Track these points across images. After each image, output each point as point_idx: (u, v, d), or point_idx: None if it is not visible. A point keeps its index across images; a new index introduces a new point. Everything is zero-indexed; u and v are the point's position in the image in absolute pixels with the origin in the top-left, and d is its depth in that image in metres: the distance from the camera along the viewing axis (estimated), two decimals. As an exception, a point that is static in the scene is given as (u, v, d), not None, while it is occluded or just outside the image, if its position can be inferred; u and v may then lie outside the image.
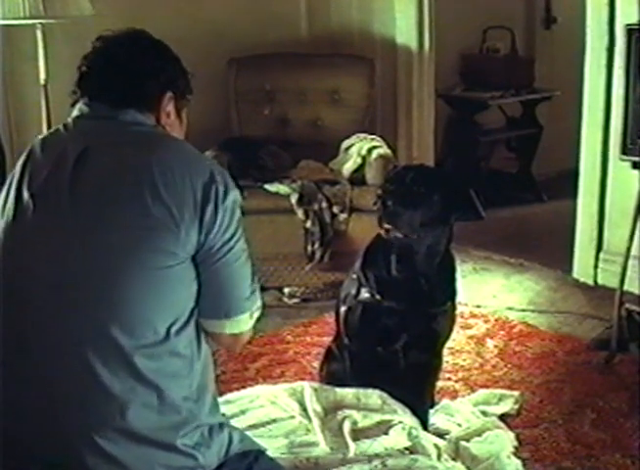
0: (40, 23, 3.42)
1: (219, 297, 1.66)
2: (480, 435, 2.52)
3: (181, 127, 1.80)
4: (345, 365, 2.62)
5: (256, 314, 1.74)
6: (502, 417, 2.68)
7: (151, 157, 1.59)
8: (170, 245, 1.55)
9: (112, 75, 1.66)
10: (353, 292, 2.56)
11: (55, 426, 1.55)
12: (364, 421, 2.35)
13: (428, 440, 2.34)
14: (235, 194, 1.64)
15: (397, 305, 2.49)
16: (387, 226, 2.42)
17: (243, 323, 1.71)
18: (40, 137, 1.72)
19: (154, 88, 1.69)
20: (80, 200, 1.56)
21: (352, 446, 2.24)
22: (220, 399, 2.35)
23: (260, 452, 1.82)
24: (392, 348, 2.55)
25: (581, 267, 3.93)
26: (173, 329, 1.58)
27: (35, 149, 1.66)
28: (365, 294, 2.53)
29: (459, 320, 2.81)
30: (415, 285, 2.49)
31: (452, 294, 2.58)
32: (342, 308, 2.61)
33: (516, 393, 2.84)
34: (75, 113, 1.69)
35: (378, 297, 2.50)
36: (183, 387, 1.61)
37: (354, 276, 2.58)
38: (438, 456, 2.31)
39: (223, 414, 1.84)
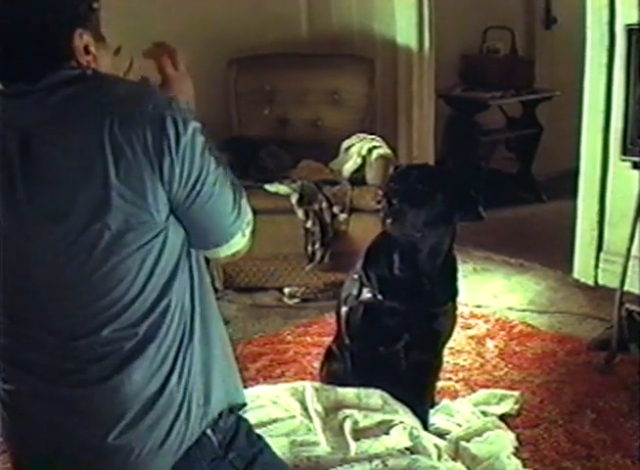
0: (40, 24, 3.41)
1: (204, 232, 1.59)
2: (480, 435, 2.53)
3: (108, 50, 1.59)
4: (346, 365, 2.62)
5: (249, 229, 1.66)
6: (502, 417, 2.69)
7: (88, 131, 1.44)
8: (145, 217, 1.47)
9: (5, 49, 1.47)
10: (355, 292, 2.56)
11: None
12: (365, 421, 2.36)
13: (428, 440, 2.34)
14: (189, 130, 1.48)
15: (399, 304, 2.49)
16: (390, 224, 2.42)
17: (235, 245, 1.64)
18: None
19: (56, 41, 1.49)
20: (37, 200, 1.47)
21: (353, 446, 2.24)
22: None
23: (266, 445, 1.81)
24: (394, 348, 2.55)
25: (582, 268, 3.93)
26: (165, 293, 1.54)
27: None
28: (367, 294, 2.53)
29: (459, 320, 2.80)
30: (417, 284, 2.49)
31: (454, 294, 2.58)
32: (344, 309, 2.61)
33: (516, 393, 2.84)
34: None
35: (380, 297, 2.50)
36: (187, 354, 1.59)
37: (355, 276, 2.58)
38: (439, 456, 2.31)
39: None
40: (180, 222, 1.56)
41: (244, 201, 1.64)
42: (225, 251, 1.65)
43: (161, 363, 1.56)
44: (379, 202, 2.52)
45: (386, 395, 2.47)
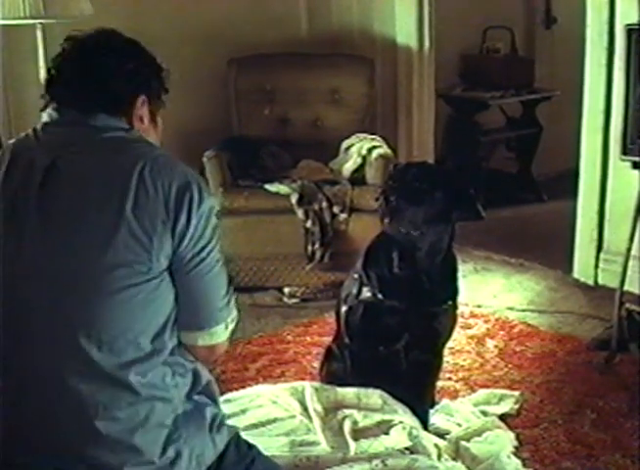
0: (40, 23, 3.42)
1: (192, 308, 1.62)
2: (479, 435, 2.53)
3: (156, 132, 1.73)
4: (346, 365, 2.62)
5: (232, 326, 1.70)
6: (502, 417, 2.68)
7: (120, 165, 1.54)
8: (144, 258, 1.51)
9: (80, 79, 1.60)
10: (354, 291, 2.56)
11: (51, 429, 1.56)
12: (364, 421, 2.36)
13: (428, 440, 2.34)
14: (211, 202, 1.59)
15: (399, 303, 2.49)
16: (388, 222, 2.43)
17: (217, 335, 1.66)
18: (10, 144, 1.66)
19: (125, 91, 1.62)
20: (48, 218, 1.52)
21: (353, 446, 2.24)
22: (220, 399, 2.36)
23: (258, 453, 1.81)
24: (394, 347, 2.55)
25: (582, 267, 3.93)
26: (158, 340, 1.56)
27: (5, 157, 1.60)
28: (367, 293, 2.53)
29: (459, 320, 2.80)
30: (417, 283, 2.50)
31: (454, 293, 2.58)
32: (343, 308, 2.60)
33: (516, 393, 2.84)
34: (45, 118, 1.63)
35: (380, 296, 2.50)
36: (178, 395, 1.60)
37: (355, 276, 2.58)
38: (439, 456, 2.31)
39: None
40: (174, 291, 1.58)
41: (233, 298, 1.69)
42: (205, 338, 1.66)
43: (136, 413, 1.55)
44: (377, 199, 2.52)
45: (385, 395, 2.47)
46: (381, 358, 2.56)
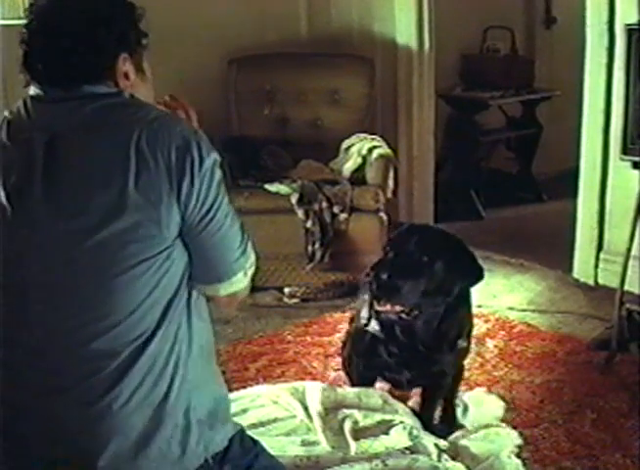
0: (40, 23, 3.42)
1: (209, 264, 1.61)
2: (480, 434, 2.52)
3: (145, 83, 1.66)
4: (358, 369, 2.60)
5: (250, 271, 1.68)
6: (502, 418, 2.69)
7: (116, 139, 1.50)
8: (154, 231, 1.50)
9: (50, 55, 1.54)
10: (365, 315, 2.44)
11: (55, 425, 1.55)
12: (365, 421, 2.36)
13: (428, 439, 2.35)
14: (211, 158, 1.54)
15: (398, 348, 2.40)
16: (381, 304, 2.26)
17: (237, 283, 1.66)
18: (3, 126, 1.59)
19: (101, 56, 1.55)
20: (54, 198, 1.50)
21: (353, 446, 2.24)
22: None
23: (262, 449, 1.82)
24: (395, 378, 2.50)
25: (582, 267, 3.93)
26: (167, 312, 1.55)
27: (2, 140, 1.56)
28: (374, 326, 2.41)
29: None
30: (415, 354, 2.39)
31: (463, 331, 2.46)
32: (355, 323, 2.54)
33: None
34: (31, 92, 1.59)
35: (381, 336, 2.41)
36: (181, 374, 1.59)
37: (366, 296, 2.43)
38: (439, 456, 2.31)
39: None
40: (187, 251, 1.57)
41: (249, 243, 1.67)
42: (227, 288, 1.65)
43: (152, 388, 1.55)
44: (367, 274, 2.27)
45: (386, 394, 2.47)
46: (385, 379, 2.53)
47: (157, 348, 1.54)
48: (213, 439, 1.64)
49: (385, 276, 2.18)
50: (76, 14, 1.54)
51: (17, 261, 1.53)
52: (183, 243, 1.57)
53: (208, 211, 1.55)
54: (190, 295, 1.61)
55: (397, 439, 2.29)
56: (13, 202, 1.51)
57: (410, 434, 2.31)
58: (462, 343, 2.50)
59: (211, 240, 1.58)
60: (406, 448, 2.29)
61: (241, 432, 1.76)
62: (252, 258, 1.69)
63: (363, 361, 2.53)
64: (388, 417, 2.37)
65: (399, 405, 2.44)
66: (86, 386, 1.52)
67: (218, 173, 1.57)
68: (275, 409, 2.44)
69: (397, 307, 2.26)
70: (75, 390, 1.53)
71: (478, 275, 2.35)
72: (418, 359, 2.43)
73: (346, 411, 2.38)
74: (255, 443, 1.81)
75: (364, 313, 2.45)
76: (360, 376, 2.59)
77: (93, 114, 1.53)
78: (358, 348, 2.53)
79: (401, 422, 2.36)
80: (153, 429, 1.55)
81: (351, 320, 2.72)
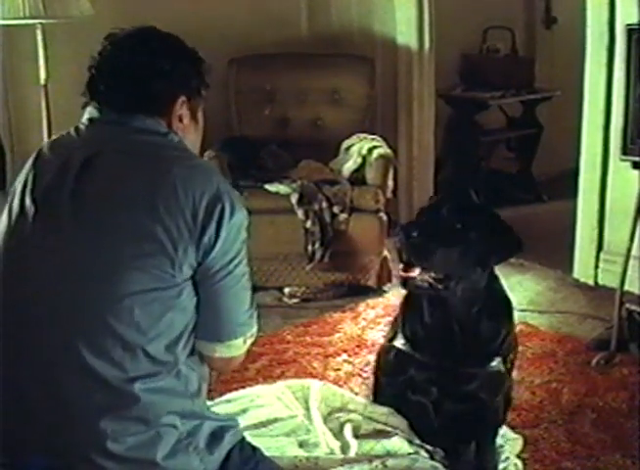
0: (40, 23, 3.42)
1: (214, 319, 1.61)
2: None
3: (196, 130, 1.72)
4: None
5: (250, 340, 1.69)
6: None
7: (154, 170, 1.54)
8: (166, 266, 1.50)
9: (118, 79, 1.60)
10: (392, 332, 2.34)
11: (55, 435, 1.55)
12: (366, 426, 2.33)
13: (428, 447, 2.32)
14: (242, 215, 1.58)
15: (429, 359, 2.18)
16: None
17: (235, 348, 1.66)
18: (50, 140, 1.68)
19: (163, 93, 1.62)
20: (80, 208, 1.52)
21: (354, 446, 2.23)
22: (220, 399, 2.36)
23: (262, 456, 1.81)
24: (421, 400, 2.29)
25: (582, 267, 3.93)
26: (170, 350, 1.55)
27: (43, 152, 1.63)
28: (400, 340, 2.26)
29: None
30: (448, 338, 2.15)
31: (501, 349, 2.20)
32: (384, 340, 2.44)
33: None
34: (86, 115, 1.64)
35: (409, 350, 2.23)
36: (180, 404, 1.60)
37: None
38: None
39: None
40: (196, 297, 1.57)
41: (255, 313, 1.68)
42: (224, 351, 1.65)
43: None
44: (396, 234, 2.06)
45: (392, 410, 2.39)
46: (409, 403, 2.31)
47: (150, 386, 1.54)
48: (212, 458, 1.65)
49: (415, 235, 1.99)
50: (149, 47, 1.62)
51: (28, 263, 1.55)
52: (195, 292, 1.58)
53: (229, 263, 1.57)
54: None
55: (399, 444, 2.26)
56: (38, 203, 1.54)
57: (410, 442, 2.26)
58: (500, 365, 2.23)
59: (225, 294, 1.59)
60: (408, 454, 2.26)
61: (241, 440, 1.76)
62: (255, 329, 1.69)
63: (388, 380, 2.39)
64: (389, 429, 2.32)
65: (404, 425, 2.33)
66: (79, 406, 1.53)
67: (244, 233, 1.59)
68: (275, 409, 2.43)
69: (429, 275, 2.05)
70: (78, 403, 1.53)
71: (515, 246, 2.18)
72: (448, 369, 2.20)
73: (349, 415, 2.36)
74: (255, 450, 1.81)
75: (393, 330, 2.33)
76: (383, 395, 2.43)
77: (138, 143, 1.58)
78: (384, 367, 2.42)
79: (403, 431, 2.31)
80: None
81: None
